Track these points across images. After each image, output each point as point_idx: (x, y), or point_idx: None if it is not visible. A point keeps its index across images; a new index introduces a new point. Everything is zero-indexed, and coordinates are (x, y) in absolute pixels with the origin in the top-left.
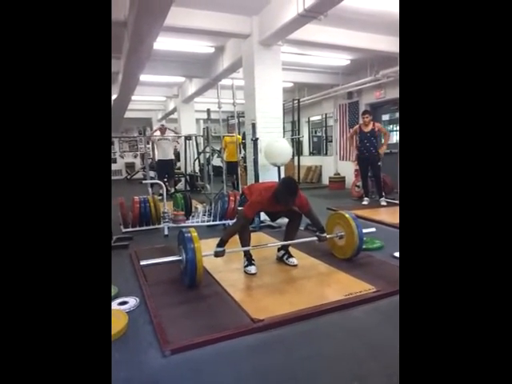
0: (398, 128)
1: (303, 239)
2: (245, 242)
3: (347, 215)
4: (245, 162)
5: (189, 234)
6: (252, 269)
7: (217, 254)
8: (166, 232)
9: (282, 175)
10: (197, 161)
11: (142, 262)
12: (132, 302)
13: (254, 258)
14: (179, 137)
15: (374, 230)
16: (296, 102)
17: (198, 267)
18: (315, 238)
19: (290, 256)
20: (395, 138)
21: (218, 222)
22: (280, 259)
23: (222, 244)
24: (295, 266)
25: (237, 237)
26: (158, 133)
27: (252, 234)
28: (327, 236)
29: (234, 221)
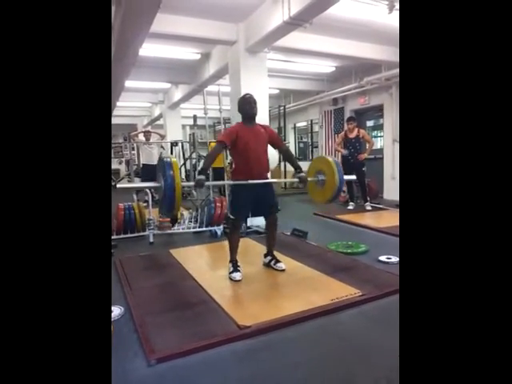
0: (381, 134)
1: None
2: (233, 248)
3: (330, 159)
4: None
5: (169, 159)
6: (237, 275)
7: (197, 183)
8: (151, 239)
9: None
10: (183, 167)
11: (119, 185)
12: (116, 311)
13: (239, 264)
14: (163, 137)
15: (354, 177)
16: (282, 108)
17: (177, 193)
18: (296, 180)
19: (278, 261)
20: (379, 143)
21: (204, 229)
22: (267, 265)
23: (203, 172)
24: (283, 270)
25: (227, 247)
26: (142, 137)
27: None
28: (309, 179)
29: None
